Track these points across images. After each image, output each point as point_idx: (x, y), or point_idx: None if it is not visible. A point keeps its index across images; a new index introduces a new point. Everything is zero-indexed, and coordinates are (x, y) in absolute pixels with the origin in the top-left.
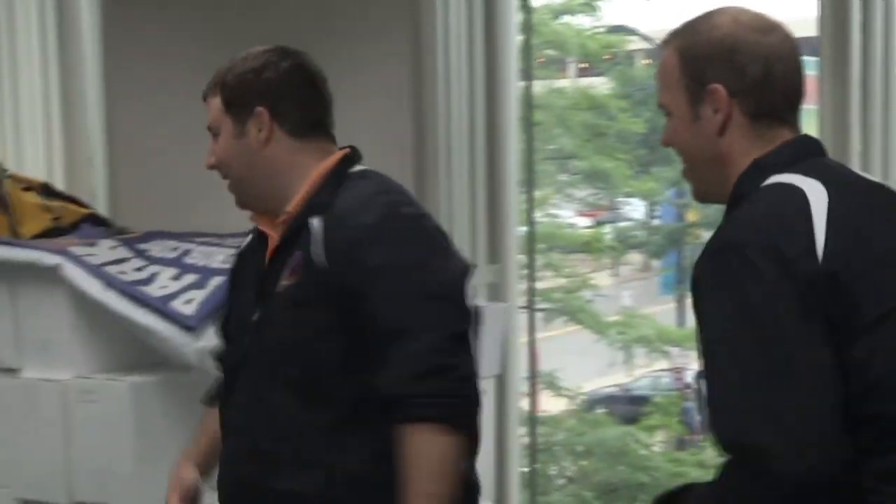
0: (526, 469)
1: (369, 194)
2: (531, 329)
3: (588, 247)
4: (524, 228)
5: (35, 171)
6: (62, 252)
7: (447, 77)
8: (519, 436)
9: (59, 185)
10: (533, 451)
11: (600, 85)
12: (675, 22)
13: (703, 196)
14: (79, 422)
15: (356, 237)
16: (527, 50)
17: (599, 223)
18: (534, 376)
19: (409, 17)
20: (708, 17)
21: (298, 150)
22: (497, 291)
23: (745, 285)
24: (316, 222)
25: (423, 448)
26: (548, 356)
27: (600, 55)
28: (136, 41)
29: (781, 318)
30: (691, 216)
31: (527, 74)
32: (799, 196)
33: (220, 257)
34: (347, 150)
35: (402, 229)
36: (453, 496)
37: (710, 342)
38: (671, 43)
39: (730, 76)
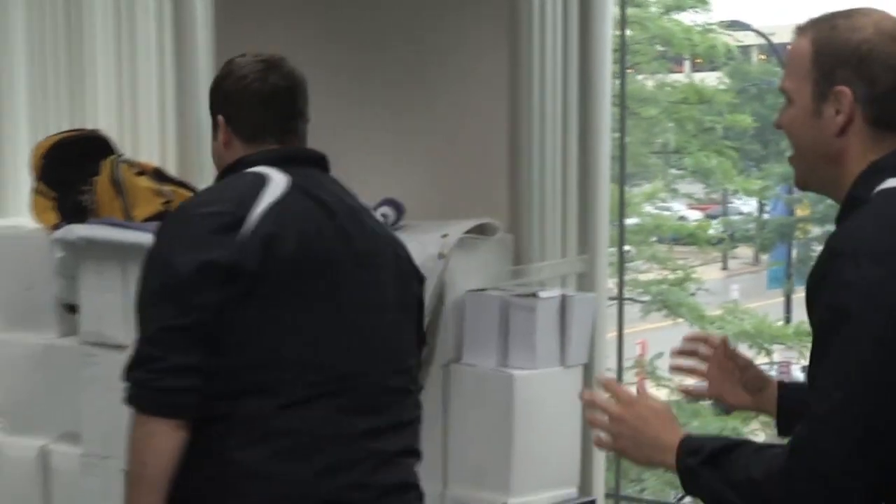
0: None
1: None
2: (620, 320)
3: (693, 238)
4: (636, 220)
5: (149, 156)
6: None
7: (542, 72)
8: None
9: (172, 170)
10: None
11: (715, 80)
12: (789, 17)
13: (805, 184)
14: None
15: None
16: (622, 45)
17: (710, 217)
18: (621, 366)
19: (506, 8)
20: (850, 15)
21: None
22: (586, 282)
23: (853, 295)
24: None
25: (130, 430)
26: (653, 347)
27: (710, 52)
28: (245, 37)
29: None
30: (801, 211)
31: (622, 69)
32: None
33: None
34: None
35: (164, 226)
36: (141, 476)
37: (816, 340)
38: (808, 32)
39: (859, 82)
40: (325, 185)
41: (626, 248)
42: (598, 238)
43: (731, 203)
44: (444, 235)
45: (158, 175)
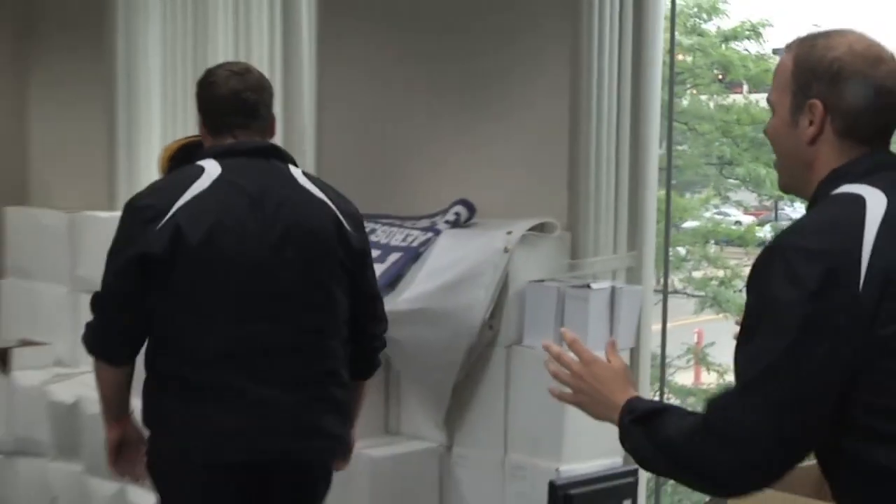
0: None
1: None
2: (664, 311)
3: (742, 240)
4: (695, 223)
5: None
6: None
7: (599, 89)
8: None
9: None
10: None
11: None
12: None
13: (786, 188)
14: None
15: None
16: (671, 67)
17: (762, 222)
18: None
19: (567, 31)
20: (828, 35)
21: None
22: (634, 276)
23: (779, 289)
24: None
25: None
26: (706, 338)
27: (762, 76)
28: (343, 57)
29: (795, 327)
30: None
31: (671, 88)
32: (857, 204)
33: (400, 236)
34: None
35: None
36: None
37: (743, 324)
38: (792, 49)
39: (830, 96)
40: (257, 174)
41: (680, 248)
42: (645, 237)
43: (783, 210)
44: (509, 232)
45: None
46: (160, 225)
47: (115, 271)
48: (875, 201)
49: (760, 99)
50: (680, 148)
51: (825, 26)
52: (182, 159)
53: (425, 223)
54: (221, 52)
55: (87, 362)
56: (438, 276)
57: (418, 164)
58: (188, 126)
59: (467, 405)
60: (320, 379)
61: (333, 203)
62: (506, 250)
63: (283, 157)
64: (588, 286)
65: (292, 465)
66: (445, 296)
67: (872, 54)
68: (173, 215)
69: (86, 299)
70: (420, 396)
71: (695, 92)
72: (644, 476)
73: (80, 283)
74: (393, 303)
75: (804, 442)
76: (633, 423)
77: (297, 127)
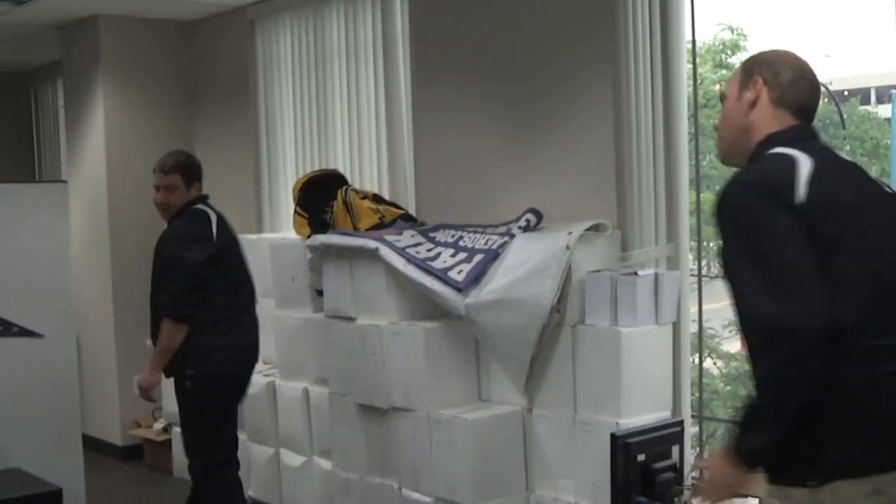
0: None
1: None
2: (700, 292)
3: None
4: None
5: (370, 185)
6: (380, 239)
7: (637, 112)
8: (689, 363)
9: (385, 194)
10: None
11: None
12: (843, 70)
13: (725, 157)
14: (392, 352)
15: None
16: (695, 90)
17: None
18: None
19: (609, 68)
20: (771, 49)
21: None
22: (673, 263)
23: (756, 208)
24: None
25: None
26: None
27: None
28: (433, 102)
29: (781, 232)
30: None
31: (695, 107)
32: (791, 161)
33: (482, 241)
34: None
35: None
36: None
37: (733, 252)
38: (744, 65)
39: (768, 74)
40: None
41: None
42: (681, 231)
43: None
44: (570, 233)
45: (376, 198)
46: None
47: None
48: (803, 160)
49: None
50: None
51: (833, 56)
52: (311, 190)
53: (502, 229)
54: (338, 105)
55: None
56: (514, 271)
57: (496, 185)
58: (312, 166)
59: (542, 374)
60: None
61: None
62: (568, 247)
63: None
64: (636, 273)
65: None
66: (520, 287)
67: (801, 68)
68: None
69: None
70: (504, 369)
71: None
72: (689, 425)
73: None
74: (478, 295)
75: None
76: (738, 441)
77: (399, 161)
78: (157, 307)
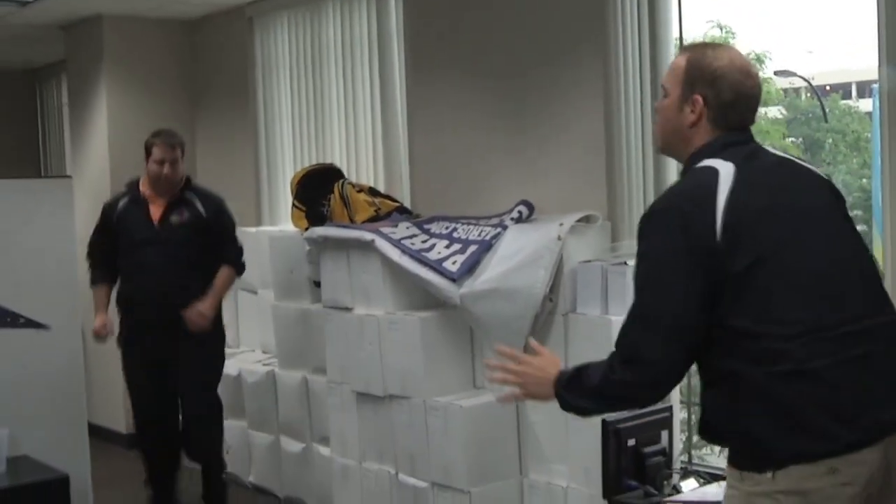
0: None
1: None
2: None
3: None
4: None
5: (366, 179)
6: (376, 231)
7: (626, 107)
8: None
9: (381, 188)
10: None
11: (777, 112)
12: (826, 65)
13: (663, 151)
14: (388, 342)
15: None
16: None
17: None
18: None
19: (600, 63)
20: (717, 48)
21: None
22: None
23: (657, 240)
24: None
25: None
26: None
27: (765, 96)
28: (427, 98)
29: (669, 277)
30: None
31: None
32: (713, 176)
33: (476, 232)
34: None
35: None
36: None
37: (635, 266)
38: (688, 52)
39: (709, 93)
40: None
41: None
42: None
43: None
44: (561, 224)
45: (372, 191)
46: None
47: None
48: (724, 171)
49: (767, 112)
50: None
51: (816, 52)
52: (308, 183)
53: (495, 221)
54: (335, 100)
55: (247, 342)
56: (507, 261)
57: (489, 177)
58: (310, 160)
59: None
60: None
61: None
62: (559, 238)
63: None
64: (625, 263)
65: None
66: (513, 277)
67: (745, 69)
68: None
69: (244, 296)
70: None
71: None
72: (677, 410)
73: (237, 283)
74: (472, 285)
75: (690, 353)
76: (564, 388)
77: (394, 155)
78: (189, 267)
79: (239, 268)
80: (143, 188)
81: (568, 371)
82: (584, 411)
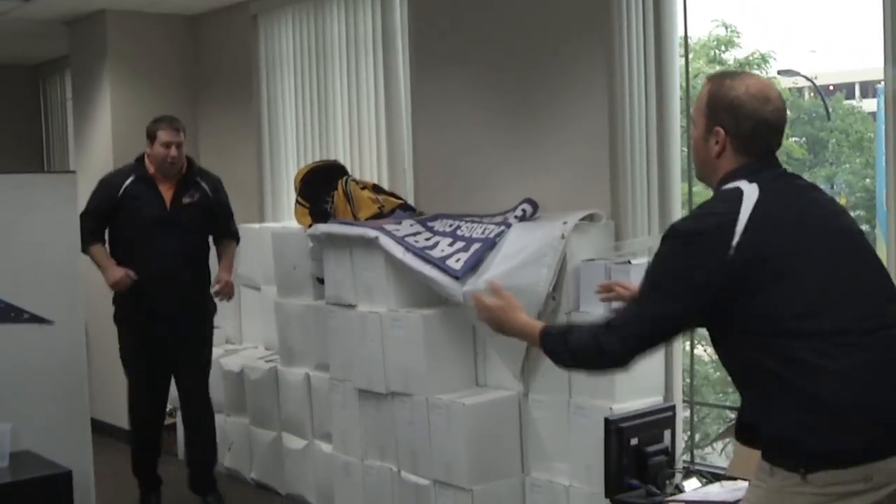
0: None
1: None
2: None
3: None
4: None
5: (370, 176)
6: (380, 228)
7: (630, 108)
8: (680, 350)
9: (384, 185)
10: (692, 361)
11: None
12: (830, 65)
13: (699, 178)
14: (391, 339)
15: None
16: (687, 87)
17: None
18: None
19: (603, 61)
20: (736, 76)
21: None
22: None
23: (675, 257)
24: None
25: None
26: None
27: None
28: (433, 92)
29: (679, 290)
30: (841, 201)
31: (687, 106)
32: (738, 196)
33: (479, 230)
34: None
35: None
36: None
37: (648, 268)
38: (710, 82)
39: (730, 124)
40: None
41: None
42: (673, 221)
43: None
44: (565, 223)
45: (376, 188)
46: None
47: None
48: (749, 191)
49: None
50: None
51: (820, 51)
52: (311, 180)
53: (499, 219)
54: (339, 97)
55: (249, 339)
56: (510, 259)
57: (493, 175)
58: (313, 156)
59: (538, 360)
60: None
61: None
62: (563, 237)
63: None
64: (629, 262)
65: None
66: (517, 275)
67: (763, 95)
68: None
69: (247, 292)
70: (501, 355)
71: None
72: (680, 410)
73: (240, 279)
74: (476, 282)
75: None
76: (555, 336)
77: (398, 152)
78: (197, 248)
79: (238, 239)
80: (150, 170)
81: (556, 327)
82: (556, 359)
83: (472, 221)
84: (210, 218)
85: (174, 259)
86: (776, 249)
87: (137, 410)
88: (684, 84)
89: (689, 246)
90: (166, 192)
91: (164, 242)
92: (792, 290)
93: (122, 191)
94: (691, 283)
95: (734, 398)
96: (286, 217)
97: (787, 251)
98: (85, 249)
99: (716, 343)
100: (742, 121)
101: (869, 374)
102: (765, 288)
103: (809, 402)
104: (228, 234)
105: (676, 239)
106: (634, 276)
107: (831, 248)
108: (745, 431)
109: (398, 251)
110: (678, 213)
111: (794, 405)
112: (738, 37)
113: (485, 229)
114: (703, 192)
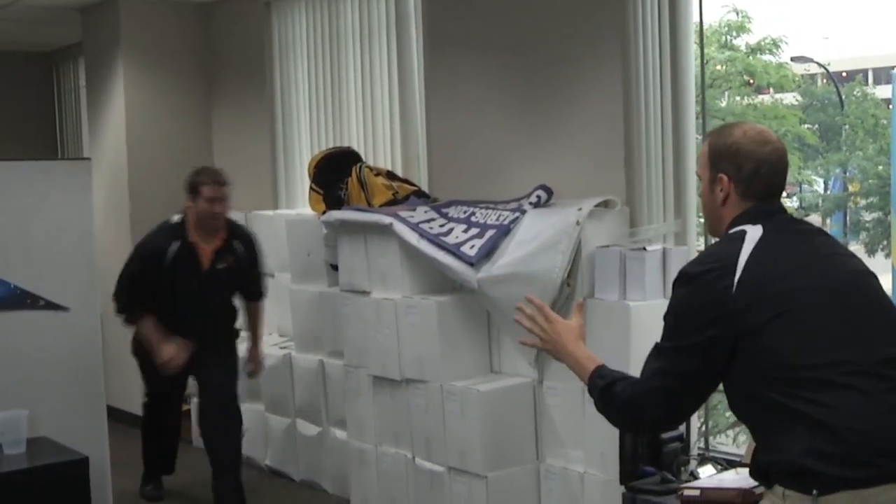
0: None
1: None
2: None
3: None
4: None
5: (384, 163)
6: (394, 215)
7: (646, 93)
8: None
9: (398, 171)
10: None
11: (792, 99)
12: (842, 52)
13: (711, 232)
14: (405, 325)
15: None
16: (702, 73)
17: (788, 195)
18: None
19: (618, 45)
20: (731, 125)
21: None
22: (680, 239)
23: (683, 304)
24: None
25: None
26: None
27: (781, 81)
28: (447, 78)
29: (685, 328)
30: (853, 187)
31: (702, 90)
32: (740, 239)
33: (494, 217)
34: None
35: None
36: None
37: (665, 317)
38: (710, 137)
39: (732, 169)
40: None
41: None
42: (688, 207)
43: (806, 184)
44: (580, 209)
45: (390, 175)
46: None
47: None
48: (753, 232)
49: (783, 98)
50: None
51: (833, 38)
52: (325, 167)
53: (514, 205)
54: (352, 84)
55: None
56: (525, 245)
57: (507, 161)
58: (327, 143)
59: None
60: None
61: None
62: (577, 223)
63: None
64: (644, 248)
65: None
66: (531, 261)
67: (761, 137)
68: None
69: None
70: (516, 342)
71: (730, 94)
72: None
73: None
74: (490, 269)
75: (691, 395)
76: (602, 388)
77: (412, 138)
78: (226, 305)
79: (265, 296)
80: (191, 233)
81: (607, 373)
82: (601, 410)
83: (487, 208)
84: (240, 279)
85: (206, 323)
86: (777, 287)
87: (152, 406)
88: (698, 71)
89: (692, 284)
90: (205, 258)
91: (197, 310)
92: (794, 325)
93: (167, 261)
94: (700, 322)
95: None
96: (300, 204)
97: (788, 288)
98: (131, 319)
99: (725, 388)
100: (743, 164)
101: (871, 407)
102: (767, 323)
103: (819, 432)
104: (258, 295)
105: (682, 280)
106: (650, 263)
107: (835, 288)
108: (761, 476)
109: (412, 238)
110: (693, 199)
111: (804, 435)
112: (750, 22)
113: (499, 216)
114: None
